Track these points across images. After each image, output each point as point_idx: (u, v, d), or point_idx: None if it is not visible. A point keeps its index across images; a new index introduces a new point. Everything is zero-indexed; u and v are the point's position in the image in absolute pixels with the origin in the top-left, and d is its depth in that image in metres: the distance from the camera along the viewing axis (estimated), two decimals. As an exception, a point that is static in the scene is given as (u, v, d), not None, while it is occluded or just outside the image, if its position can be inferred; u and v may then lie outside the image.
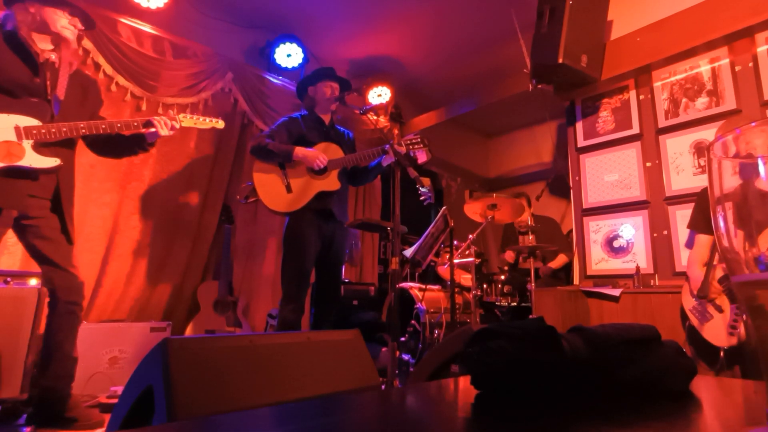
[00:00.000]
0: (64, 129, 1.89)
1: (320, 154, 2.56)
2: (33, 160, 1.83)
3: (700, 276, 2.15)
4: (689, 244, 2.49)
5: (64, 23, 1.97)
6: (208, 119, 2.34)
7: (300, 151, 2.55)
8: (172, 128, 2.14)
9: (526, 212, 3.79)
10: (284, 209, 2.56)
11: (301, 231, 2.55)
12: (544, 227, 3.69)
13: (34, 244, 1.91)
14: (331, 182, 2.62)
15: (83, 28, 2.06)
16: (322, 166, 2.56)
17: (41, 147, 1.87)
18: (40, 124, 1.86)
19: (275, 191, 2.57)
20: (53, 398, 1.89)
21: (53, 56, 1.98)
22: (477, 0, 3.65)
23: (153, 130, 2.10)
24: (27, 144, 1.82)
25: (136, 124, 2.07)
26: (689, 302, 2.18)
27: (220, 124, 2.41)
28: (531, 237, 3.25)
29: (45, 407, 1.90)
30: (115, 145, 2.18)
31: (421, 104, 5.08)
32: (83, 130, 1.94)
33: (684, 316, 2.20)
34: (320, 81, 2.77)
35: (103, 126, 1.98)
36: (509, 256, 3.88)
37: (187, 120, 2.24)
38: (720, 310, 2.03)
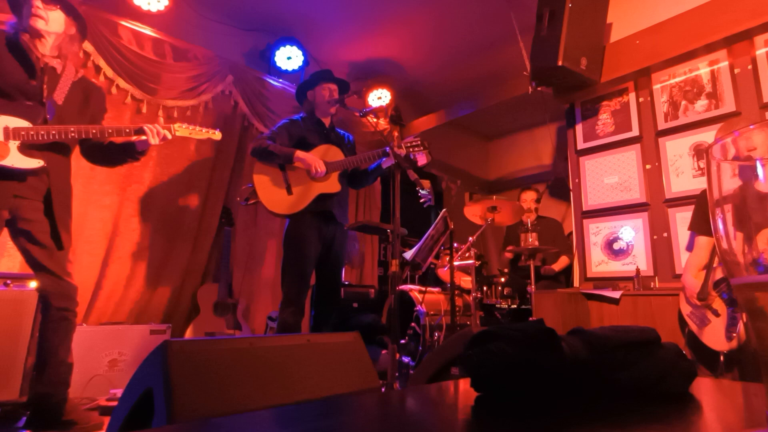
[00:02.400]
0: (53, 132, 1.88)
1: (319, 161, 2.56)
2: (16, 160, 1.82)
3: (693, 282, 2.15)
4: (690, 246, 2.49)
5: (31, 11, 1.90)
6: (204, 130, 2.27)
7: (301, 154, 2.55)
8: (164, 138, 2.09)
9: (532, 208, 3.81)
10: (284, 211, 2.56)
11: (302, 233, 2.55)
12: (546, 228, 3.69)
13: (28, 249, 1.90)
14: (332, 184, 2.62)
15: (67, 13, 2.00)
16: (320, 174, 2.56)
17: (30, 149, 1.86)
18: (30, 126, 1.86)
19: (276, 193, 2.57)
20: (49, 404, 1.89)
21: (55, 62, 1.98)
22: (477, 2, 3.66)
23: (144, 138, 2.07)
24: (13, 144, 1.82)
25: (128, 130, 2.05)
26: (686, 308, 2.19)
27: (217, 135, 2.33)
28: (533, 236, 3.25)
29: (41, 412, 1.89)
30: (107, 154, 2.16)
31: (421, 107, 5.09)
32: (73, 134, 1.92)
33: (682, 322, 2.20)
34: (317, 84, 2.78)
35: (94, 131, 1.97)
36: (510, 254, 3.88)
37: (182, 130, 2.18)
38: (717, 314, 2.03)
